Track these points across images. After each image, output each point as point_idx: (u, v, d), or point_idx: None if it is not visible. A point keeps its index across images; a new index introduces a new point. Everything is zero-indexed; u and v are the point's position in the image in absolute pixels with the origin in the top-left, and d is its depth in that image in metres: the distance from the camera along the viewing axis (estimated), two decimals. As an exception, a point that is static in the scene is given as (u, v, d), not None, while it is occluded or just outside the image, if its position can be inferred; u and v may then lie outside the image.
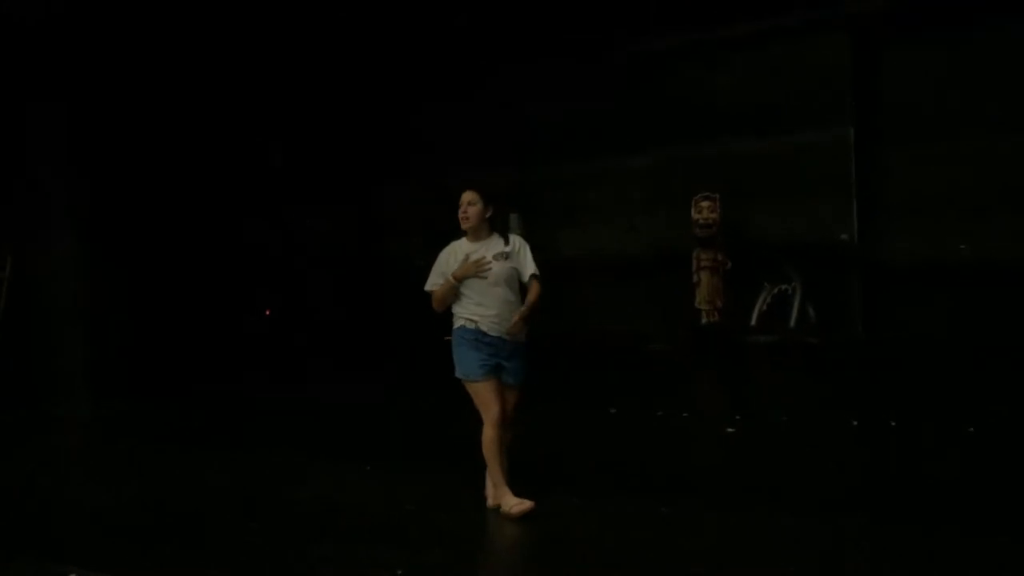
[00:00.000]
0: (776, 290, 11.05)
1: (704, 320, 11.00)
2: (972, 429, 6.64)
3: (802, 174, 10.92)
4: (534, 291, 5.24)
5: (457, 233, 5.34)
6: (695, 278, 11.02)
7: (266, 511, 5.47)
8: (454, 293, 5.17)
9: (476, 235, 5.25)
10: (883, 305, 10.63)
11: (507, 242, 5.26)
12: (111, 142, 11.56)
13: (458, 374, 5.19)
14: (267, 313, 13.51)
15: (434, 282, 5.25)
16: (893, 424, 6.92)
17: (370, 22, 12.63)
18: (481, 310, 5.14)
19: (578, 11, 11.96)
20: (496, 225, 5.29)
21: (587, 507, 5.29)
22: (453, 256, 5.25)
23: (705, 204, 10.93)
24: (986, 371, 8.47)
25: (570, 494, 5.48)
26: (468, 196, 5.25)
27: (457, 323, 5.22)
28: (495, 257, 5.17)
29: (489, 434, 5.10)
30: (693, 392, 9.07)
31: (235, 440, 7.83)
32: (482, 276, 5.11)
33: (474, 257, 5.15)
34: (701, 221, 10.94)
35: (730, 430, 7.08)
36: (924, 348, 9.55)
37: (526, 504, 5.01)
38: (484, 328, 5.13)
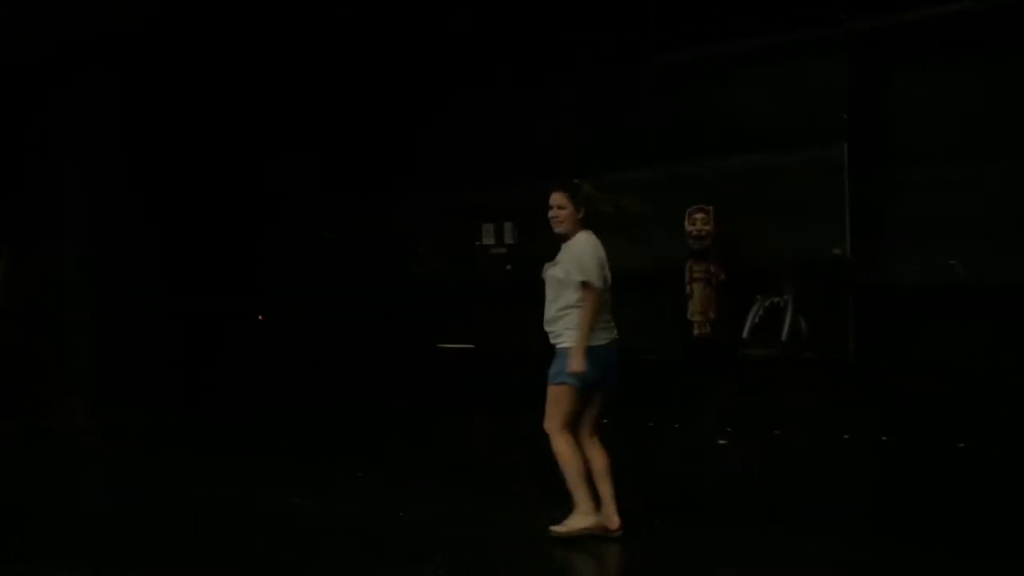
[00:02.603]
0: (768, 303, 11.11)
1: (696, 332, 11.05)
2: (962, 445, 6.71)
3: (797, 190, 11.01)
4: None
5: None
6: (688, 290, 11.08)
7: (267, 521, 5.49)
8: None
9: (566, 239, 5.29)
10: (875, 323, 10.71)
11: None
12: (124, 149, 11.53)
13: (564, 380, 5.08)
14: (260, 318, 13.51)
15: (589, 273, 5.12)
16: (884, 439, 6.99)
17: (362, 31, 12.70)
18: (603, 324, 5.15)
19: (574, 27, 12.07)
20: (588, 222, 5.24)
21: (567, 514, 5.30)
22: (595, 249, 5.26)
23: (699, 216, 11.00)
24: (974, 393, 8.55)
25: (559, 502, 5.52)
26: (556, 198, 5.22)
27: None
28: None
29: (566, 441, 5.07)
30: (686, 404, 9.11)
31: (239, 449, 7.85)
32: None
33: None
34: (695, 233, 11.01)
35: (722, 442, 7.13)
36: (914, 367, 9.63)
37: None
38: (604, 343, 5.19)
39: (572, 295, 5.04)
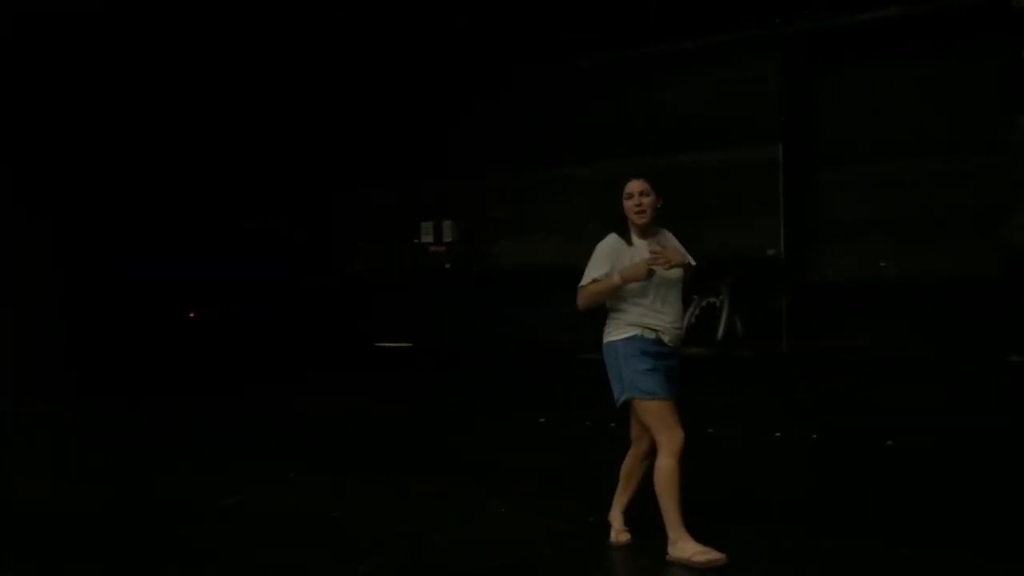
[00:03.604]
0: (705, 303, 11.23)
1: (634, 330, 11.11)
2: (890, 443, 6.83)
3: (733, 189, 11.14)
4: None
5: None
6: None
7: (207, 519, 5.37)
8: (608, 296, 4.41)
9: (645, 231, 4.51)
10: (808, 320, 10.89)
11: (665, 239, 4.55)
12: (58, 138, 11.18)
13: (633, 394, 4.37)
14: (191, 316, 13.24)
15: (593, 276, 4.43)
16: (814, 437, 7.08)
17: (321, 29, 12.54)
18: (661, 318, 4.40)
19: (520, 24, 12.06)
20: (662, 219, 4.59)
21: (515, 512, 5.31)
22: (616, 254, 4.46)
23: (637, 216, 11.07)
24: (906, 386, 8.74)
25: (497, 498, 5.50)
26: (640, 186, 4.52)
27: (626, 332, 4.42)
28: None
29: (671, 464, 4.32)
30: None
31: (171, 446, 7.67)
32: (659, 274, 4.35)
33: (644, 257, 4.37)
34: (633, 232, 11.07)
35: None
36: (847, 363, 9.81)
37: (714, 555, 4.27)
38: (666, 339, 4.41)
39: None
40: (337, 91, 13.53)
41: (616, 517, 4.73)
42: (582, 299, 4.48)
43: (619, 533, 4.67)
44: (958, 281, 9.87)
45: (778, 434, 7.24)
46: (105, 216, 11.77)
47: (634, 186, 4.55)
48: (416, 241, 13.62)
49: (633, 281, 4.31)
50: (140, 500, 5.85)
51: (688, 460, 6.55)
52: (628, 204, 4.52)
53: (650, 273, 4.27)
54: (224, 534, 5.10)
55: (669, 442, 4.33)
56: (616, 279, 4.34)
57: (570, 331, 11.93)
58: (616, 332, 4.45)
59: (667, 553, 4.36)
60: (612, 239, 4.53)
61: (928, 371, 9.19)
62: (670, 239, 4.60)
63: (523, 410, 8.66)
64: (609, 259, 4.44)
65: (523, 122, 12.42)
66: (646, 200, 4.50)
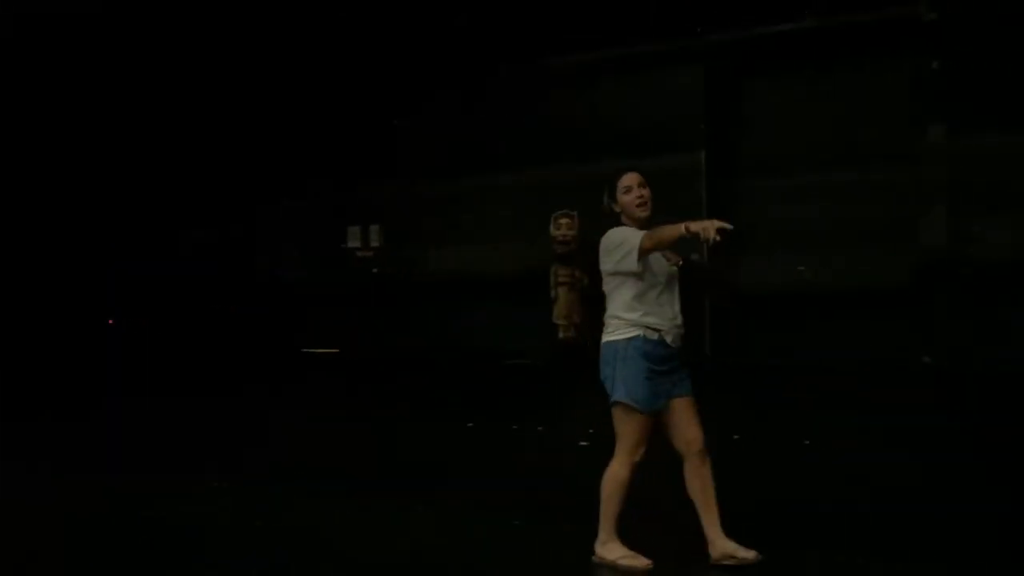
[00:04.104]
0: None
1: (561, 335, 11.20)
2: (807, 442, 7.00)
3: (657, 197, 11.28)
4: None
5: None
6: (553, 294, 11.22)
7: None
8: (670, 244, 4.11)
9: (644, 226, 4.28)
10: (730, 328, 11.11)
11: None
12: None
13: (622, 397, 4.17)
14: (110, 323, 12.94)
15: (634, 243, 4.11)
16: (736, 438, 7.22)
17: (256, 37, 12.40)
18: (664, 314, 4.20)
19: (449, 33, 12.10)
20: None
21: (440, 520, 5.29)
22: (635, 235, 4.18)
23: (564, 221, 11.17)
24: (824, 387, 8.97)
25: (423, 505, 5.49)
26: (638, 178, 4.32)
27: (628, 332, 4.19)
28: (664, 254, 4.28)
29: (623, 475, 4.21)
30: (549, 406, 9.20)
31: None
32: (665, 269, 4.18)
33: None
34: (559, 238, 11.17)
35: (583, 444, 7.23)
36: (768, 367, 10.03)
37: (641, 561, 4.19)
38: (668, 339, 4.21)
39: None
40: (264, 95, 13.37)
41: (720, 544, 4.23)
42: (648, 245, 4.11)
43: (738, 551, 4.21)
44: (874, 286, 10.19)
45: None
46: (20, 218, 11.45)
47: (632, 179, 4.35)
48: (343, 246, 13.52)
49: (700, 236, 3.92)
50: (49, 513, 5.67)
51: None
52: (628, 198, 4.31)
53: (721, 231, 3.89)
54: (141, 547, 4.98)
55: (631, 455, 4.20)
56: (683, 229, 3.98)
57: (498, 336, 12.04)
58: (617, 332, 4.24)
59: (594, 551, 4.32)
60: (625, 228, 4.29)
61: (846, 373, 9.44)
62: None
63: (450, 415, 8.65)
64: (632, 238, 4.16)
65: (450, 129, 12.46)
66: (646, 192, 4.31)
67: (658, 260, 4.22)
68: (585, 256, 11.26)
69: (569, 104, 11.82)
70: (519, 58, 11.88)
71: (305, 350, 13.36)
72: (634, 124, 11.39)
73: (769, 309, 10.69)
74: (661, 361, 4.18)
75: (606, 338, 4.30)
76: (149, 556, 4.79)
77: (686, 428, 4.24)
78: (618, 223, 4.36)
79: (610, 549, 4.28)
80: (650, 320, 4.18)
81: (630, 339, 4.18)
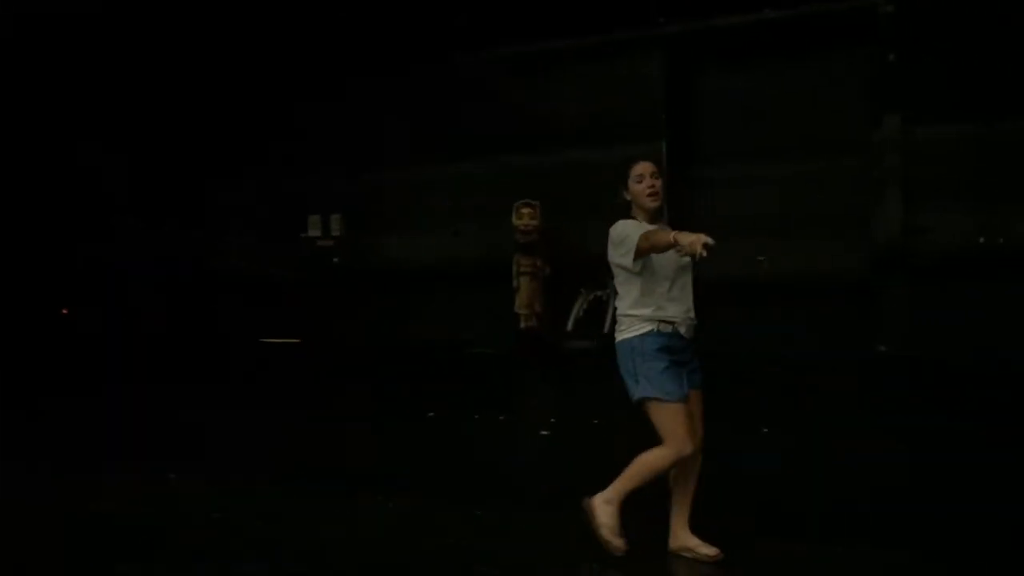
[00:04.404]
0: (592, 297, 11.42)
1: (522, 325, 11.23)
2: (766, 430, 7.09)
3: (618, 187, 11.35)
4: None
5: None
6: (515, 283, 11.25)
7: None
8: (663, 249, 3.98)
9: (655, 217, 4.21)
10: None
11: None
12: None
13: (649, 393, 4.08)
14: (64, 312, 12.72)
15: (635, 242, 4.01)
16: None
17: (202, 24, 12.22)
18: (677, 307, 4.13)
19: (409, 20, 12.03)
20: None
21: (401, 511, 5.29)
22: (638, 230, 4.09)
23: (526, 211, 11.19)
24: (782, 377, 9.08)
25: (383, 497, 5.48)
26: (651, 167, 4.20)
27: (643, 328, 4.12)
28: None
29: (667, 464, 4.11)
30: (511, 396, 9.23)
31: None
32: (678, 261, 4.06)
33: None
34: (522, 227, 11.19)
35: (544, 433, 7.26)
36: (728, 355, 10.11)
37: (616, 543, 4.15)
38: (682, 330, 4.14)
39: None
40: (222, 79, 13.21)
41: (682, 537, 4.29)
42: (643, 246, 4.02)
43: (701, 547, 4.25)
44: (830, 276, 10.33)
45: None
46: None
47: (645, 167, 4.22)
48: (303, 235, 13.42)
49: (686, 252, 3.84)
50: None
51: (573, 450, 6.68)
52: (639, 187, 4.18)
53: (706, 248, 3.79)
54: (93, 540, 4.92)
55: (674, 450, 4.08)
56: (671, 238, 3.86)
57: (458, 326, 12.04)
58: (631, 329, 4.15)
59: (591, 500, 4.22)
60: (631, 221, 4.19)
61: (804, 363, 9.55)
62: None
63: (411, 405, 8.62)
64: (635, 233, 4.06)
65: (412, 118, 12.39)
66: (659, 182, 4.20)
67: (675, 255, 4.06)
68: (547, 245, 11.33)
69: (532, 93, 11.82)
70: (481, 46, 11.85)
71: (264, 340, 13.25)
72: (595, 113, 11.43)
73: (727, 297, 10.78)
74: (678, 352, 4.13)
75: (620, 337, 4.22)
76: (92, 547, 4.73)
77: (692, 420, 4.18)
78: (627, 213, 4.26)
79: (605, 511, 4.17)
80: (662, 314, 4.11)
81: (644, 335, 4.12)
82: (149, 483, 5.97)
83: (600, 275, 11.64)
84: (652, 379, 4.07)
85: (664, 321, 4.09)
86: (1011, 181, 9.83)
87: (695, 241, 3.79)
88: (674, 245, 3.87)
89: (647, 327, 4.11)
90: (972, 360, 9.19)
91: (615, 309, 10.65)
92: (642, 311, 4.13)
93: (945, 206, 10.07)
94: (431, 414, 8.17)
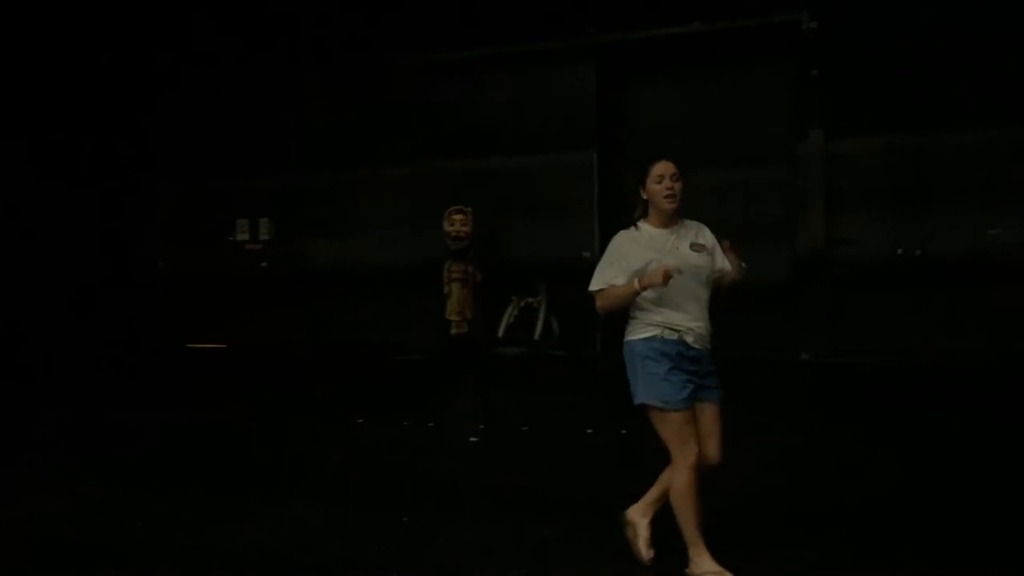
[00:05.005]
0: (523, 303, 11.47)
1: (453, 331, 11.21)
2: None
3: (550, 193, 11.44)
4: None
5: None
6: (446, 289, 11.23)
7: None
8: (627, 302, 4.00)
9: (670, 220, 4.08)
10: (620, 322, 11.29)
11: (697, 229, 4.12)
12: None
13: (647, 399, 3.98)
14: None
15: (608, 279, 4.01)
16: (623, 432, 7.36)
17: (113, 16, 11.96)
18: (684, 316, 3.98)
19: (342, 20, 11.96)
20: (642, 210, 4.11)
21: (328, 518, 5.24)
22: (638, 247, 4.01)
23: (458, 217, 11.18)
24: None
25: (309, 503, 5.42)
26: (672, 168, 4.04)
27: (646, 332, 4.01)
28: (692, 248, 4.04)
29: (686, 479, 3.95)
30: (440, 402, 9.20)
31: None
32: (685, 269, 3.94)
33: (668, 249, 3.99)
34: (453, 234, 11.18)
35: (473, 439, 7.25)
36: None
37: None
38: (689, 340, 3.98)
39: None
40: (142, 80, 12.94)
41: (640, 524, 4.25)
42: (600, 304, 4.06)
43: (643, 543, 4.23)
44: (756, 285, 10.51)
45: (589, 431, 7.47)
46: None
47: (665, 167, 4.05)
48: (231, 239, 13.21)
49: (653, 286, 3.86)
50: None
51: (502, 457, 6.69)
52: (657, 188, 4.02)
53: (667, 278, 3.82)
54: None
55: (682, 457, 3.96)
56: (636, 286, 3.89)
57: (389, 332, 11.96)
58: (635, 331, 4.05)
59: (687, 569, 4.02)
60: (622, 237, 4.10)
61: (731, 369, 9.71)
62: (685, 233, 4.10)
63: (339, 412, 8.54)
64: (622, 260, 4.01)
65: (343, 121, 12.30)
66: (678, 185, 4.04)
67: (683, 258, 3.99)
68: (478, 252, 11.33)
69: (464, 99, 11.84)
70: (415, 51, 11.83)
71: (191, 345, 12.99)
72: (528, 121, 11.51)
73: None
74: (683, 361, 3.98)
75: (625, 338, 4.12)
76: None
77: (704, 441, 4.02)
78: (644, 212, 4.13)
79: (696, 564, 4.00)
80: (667, 320, 3.98)
81: (648, 339, 4.01)
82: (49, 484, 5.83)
83: (531, 282, 11.80)
84: (651, 385, 3.98)
85: (669, 328, 3.98)
86: (928, 193, 10.18)
87: (655, 275, 3.81)
88: (638, 291, 3.90)
89: (651, 331, 4.00)
90: (893, 364, 9.49)
91: (546, 316, 10.66)
92: (647, 315, 4.02)
93: (866, 217, 10.37)
94: (359, 420, 8.10)
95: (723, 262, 4.11)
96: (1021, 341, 9.43)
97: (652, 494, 4.28)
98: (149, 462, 6.75)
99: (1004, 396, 8.07)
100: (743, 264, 4.13)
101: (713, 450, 4.05)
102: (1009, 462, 6.00)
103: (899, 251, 10.27)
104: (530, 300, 11.44)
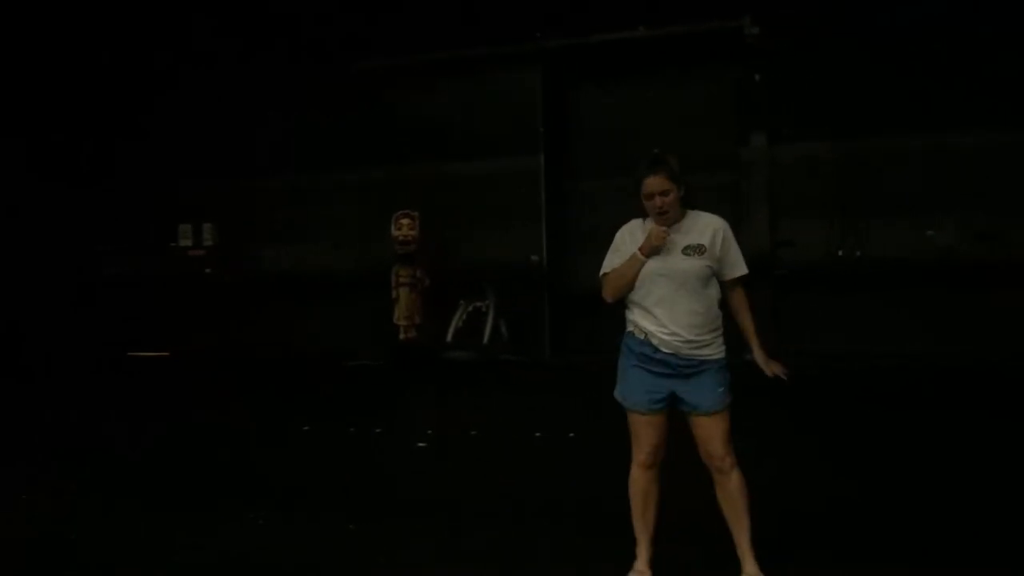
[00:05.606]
0: (471, 308, 11.46)
1: (402, 336, 11.17)
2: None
3: (498, 198, 11.47)
4: (744, 304, 4.10)
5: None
6: (394, 294, 11.18)
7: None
8: (634, 278, 3.94)
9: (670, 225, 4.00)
10: (568, 326, 11.37)
11: (701, 229, 4.02)
12: None
13: (615, 392, 4.08)
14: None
15: (612, 265, 4.05)
16: (571, 435, 7.40)
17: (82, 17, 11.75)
18: (651, 321, 3.93)
19: (290, 23, 11.87)
20: (689, 202, 4.04)
21: (274, 524, 5.18)
22: (631, 236, 4.03)
23: (405, 222, 11.14)
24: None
25: (257, 511, 5.35)
26: (658, 184, 3.92)
27: (627, 327, 4.07)
28: (686, 251, 3.94)
29: (633, 477, 4.06)
30: (388, 408, 9.15)
31: None
32: (657, 272, 3.91)
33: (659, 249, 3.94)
34: (400, 238, 11.14)
35: (421, 444, 7.23)
36: (602, 364, 10.31)
37: None
38: (655, 342, 3.93)
39: (717, 290, 4.03)
40: (87, 82, 12.69)
41: (746, 568, 4.02)
42: (607, 289, 4.06)
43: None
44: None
45: (538, 434, 7.49)
46: None
47: (652, 185, 3.94)
48: (173, 244, 13.00)
49: (655, 248, 3.88)
50: None
51: (449, 461, 6.67)
52: (648, 205, 3.98)
53: (662, 237, 3.85)
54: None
55: (636, 454, 4.06)
56: (638, 255, 3.92)
57: (336, 337, 11.85)
58: (626, 327, 4.09)
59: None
60: (624, 228, 4.12)
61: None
62: (686, 230, 4.00)
63: (285, 418, 8.45)
64: (625, 244, 4.03)
65: (289, 126, 12.19)
66: (667, 200, 3.93)
67: (669, 263, 3.95)
68: (426, 256, 11.30)
69: (412, 103, 11.80)
70: (361, 55, 11.77)
71: (132, 353, 12.74)
72: (475, 125, 11.52)
73: (606, 310, 10.99)
74: (651, 363, 3.95)
75: (719, 356, 4.06)
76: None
77: (706, 443, 3.97)
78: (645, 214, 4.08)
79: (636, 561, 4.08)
80: (636, 320, 4.00)
81: (626, 334, 4.08)
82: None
83: (480, 286, 11.79)
84: (619, 379, 4.08)
85: (640, 328, 3.98)
86: (869, 197, 10.39)
87: (654, 239, 3.89)
88: (642, 260, 3.93)
89: (628, 327, 4.06)
90: (836, 365, 9.66)
91: (494, 320, 10.69)
92: (628, 313, 4.07)
93: (808, 221, 10.56)
94: (306, 427, 8.02)
95: (730, 268, 4.05)
96: (959, 341, 9.68)
97: (737, 543, 4.06)
98: (87, 473, 6.61)
99: (943, 394, 8.28)
100: (772, 365, 4.15)
101: (717, 450, 3.97)
102: (951, 460, 6.14)
103: (840, 253, 10.47)
104: (479, 304, 11.44)
